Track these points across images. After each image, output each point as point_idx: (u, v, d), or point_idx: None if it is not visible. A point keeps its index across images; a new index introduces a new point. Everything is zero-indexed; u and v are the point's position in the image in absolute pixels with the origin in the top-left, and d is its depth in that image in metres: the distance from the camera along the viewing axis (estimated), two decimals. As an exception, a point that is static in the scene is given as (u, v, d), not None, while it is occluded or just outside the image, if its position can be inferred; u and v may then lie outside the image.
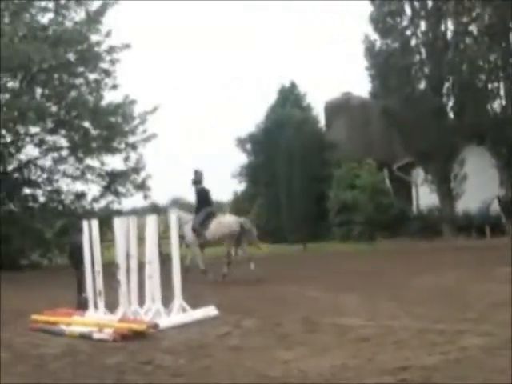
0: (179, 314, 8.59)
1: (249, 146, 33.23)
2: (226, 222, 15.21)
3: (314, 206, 28.19)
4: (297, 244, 25.31)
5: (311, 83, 76.74)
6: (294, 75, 62.57)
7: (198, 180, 15.62)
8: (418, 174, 26.44)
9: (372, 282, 12.08)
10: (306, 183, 28.73)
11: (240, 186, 34.53)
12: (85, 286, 9.26)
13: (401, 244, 22.83)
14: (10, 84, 24.29)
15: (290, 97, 32.18)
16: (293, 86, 32.87)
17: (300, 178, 28.93)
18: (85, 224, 9.33)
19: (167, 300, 8.69)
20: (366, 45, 25.67)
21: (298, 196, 28.89)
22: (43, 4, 24.09)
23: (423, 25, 24.92)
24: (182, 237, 14.06)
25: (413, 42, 25.18)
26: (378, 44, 25.72)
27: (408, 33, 25.19)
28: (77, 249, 9.90)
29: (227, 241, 15.06)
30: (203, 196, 15.49)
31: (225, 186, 43.04)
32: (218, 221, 15.15)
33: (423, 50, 24.99)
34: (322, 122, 33.01)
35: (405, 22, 25.19)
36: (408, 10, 25.04)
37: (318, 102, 34.69)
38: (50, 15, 24.37)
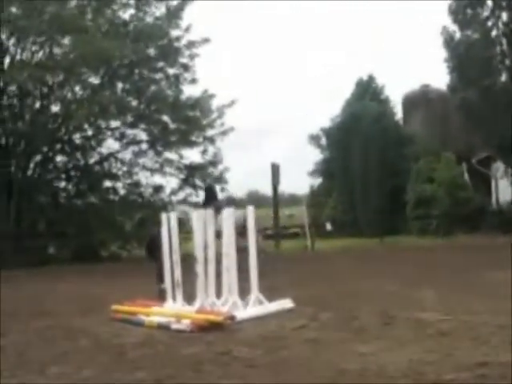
0: (256, 307, 8.64)
1: (324, 140, 33.10)
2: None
3: (390, 199, 27.84)
4: (373, 238, 25.06)
5: (389, 76, 75.74)
6: (372, 68, 61.91)
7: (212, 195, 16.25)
8: (498, 167, 25.75)
9: (450, 277, 11.84)
10: (382, 177, 28.40)
11: (316, 181, 34.50)
12: (163, 277, 9.43)
13: (479, 239, 22.27)
14: (92, 79, 24.90)
15: (368, 90, 31.81)
16: (371, 78, 32.48)
17: (376, 171, 28.60)
18: (164, 216, 9.50)
19: (244, 292, 8.75)
20: (445, 36, 25.12)
21: (374, 190, 28.60)
22: (124, 0, 24.57)
23: (504, 16, 24.19)
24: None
25: (494, 33, 24.49)
26: (458, 35, 25.14)
27: (489, 24, 24.50)
28: (155, 240, 10.11)
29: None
30: (211, 192, 15.60)
31: (301, 180, 43.07)
32: None
33: (504, 41, 24.25)
34: (400, 115, 32.52)
35: (485, 13, 24.50)
36: (489, 1, 24.37)
37: (395, 95, 34.20)
38: (131, 11, 24.90)
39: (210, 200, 16.23)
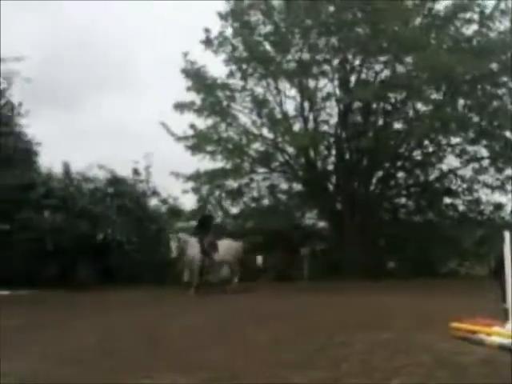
0: None
1: None
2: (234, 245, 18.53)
3: None
4: None
5: None
6: None
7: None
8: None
9: None
10: None
11: None
12: (506, 296, 9.03)
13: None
14: (434, 96, 24.97)
15: None
16: None
17: None
18: (506, 235, 9.11)
19: None
20: None
21: None
22: (468, 16, 24.22)
23: None
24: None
25: None
26: None
27: None
28: (500, 259, 9.74)
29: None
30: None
31: None
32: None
33: None
34: None
35: None
36: None
37: None
38: (475, 27, 24.40)
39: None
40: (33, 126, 23.97)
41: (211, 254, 17.89)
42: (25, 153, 23.61)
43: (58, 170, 23.62)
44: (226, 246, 18.27)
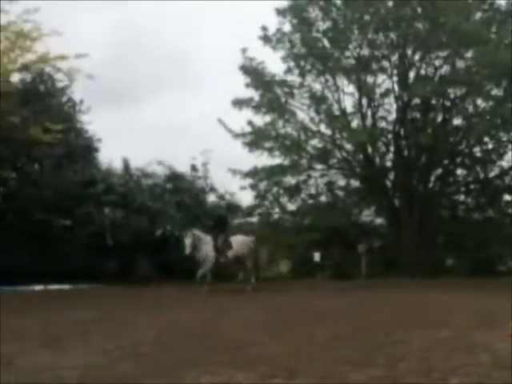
0: None
1: None
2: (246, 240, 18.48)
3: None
4: None
5: None
6: None
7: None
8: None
9: None
10: None
11: None
12: None
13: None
14: (494, 91, 24.55)
15: None
16: None
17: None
18: None
19: None
20: None
21: None
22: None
23: None
24: None
25: None
26: None
27: None
28: None
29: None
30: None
31: None
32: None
33: None
34: None
35: None
36: None
37: None
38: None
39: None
40: (94, 123, 24.57)
41: (225, 251, 17.92)
42: (85, 149, 24.20)
43: (117, 166, 24.16)
44: (239, 242, 18.29)
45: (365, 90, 25.23)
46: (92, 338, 8.93)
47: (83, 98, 24.40)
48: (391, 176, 26.55)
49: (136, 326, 10.33)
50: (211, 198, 25.22)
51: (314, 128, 25.63)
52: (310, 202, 27.31)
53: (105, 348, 8.00)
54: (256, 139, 25.11)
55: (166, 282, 19.57)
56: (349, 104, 25.74)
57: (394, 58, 25.22)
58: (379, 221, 28.06)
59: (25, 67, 20.13)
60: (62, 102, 24.27)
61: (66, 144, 22.10)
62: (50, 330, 9.70)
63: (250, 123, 25.28)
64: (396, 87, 25.40)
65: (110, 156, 24.40)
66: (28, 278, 19.28)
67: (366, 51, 24.96)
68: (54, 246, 21.44)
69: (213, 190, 25.10)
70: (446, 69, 25.10)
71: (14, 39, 18.44)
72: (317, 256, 23.39)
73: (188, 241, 17.66)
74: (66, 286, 19.59)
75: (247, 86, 25.45)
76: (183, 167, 24.62)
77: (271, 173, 25.38)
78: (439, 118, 25.83)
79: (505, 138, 25.61)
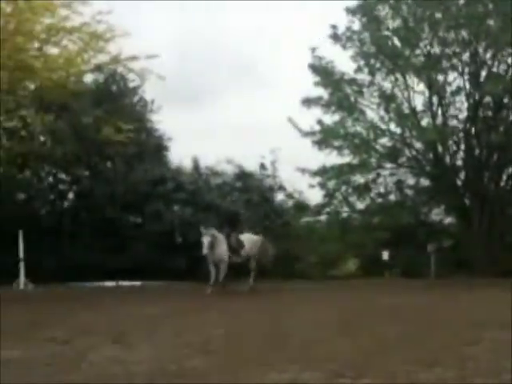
0: None
1: None
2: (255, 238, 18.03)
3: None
4: None
5: None
6: None
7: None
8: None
9: None
10: None
11: None
12: None
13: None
14: None
15: None
16: None
17: None
18: None
19: None
20: None
21: None
22: None
23: None
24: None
25: None
26: None
27: None
28: None
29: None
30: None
31: None
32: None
33: None
34: None
35: None
36: None
37: None
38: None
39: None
40: (164, 122, 25.09)
41: (239, 250, 17.40)
42: (156, 148, 24.76)
43: (187, 165, 24.62)
44: (248, 240, 17.80)
45: (435, 88, 25.03)
46: (162, 333, 9.18)
47: (154, 97, 25.01)
48: (462, 175, 26.24)
49: (206, 322, 10.61)
50: (279, 197, 25.47)
51: (384, 126, 25.57)
52: (379, 200, 27.26)
53: (174, 343, 8.19)
54: (325, 138, 25.23)
55: (234, 280, 19.71)
56: (419, 102, 25.61)
57: (466, 55, 24.92)
58: (449, 220, 27.79)
59: (98, 68, 20.68)
60: (133, 102, 24.92)
61: (137, 143, 22.66)
62: (121, 325, 10.03)
63: (319, 122, 25.42)
64: (467, 85, 25.11)
65: (180, 155, 24.97)
66: (101, 275, 19.96)
67: (436, 49, 24.77)
68: (125, 243, 22.09)
69: (281, 188, 25.34)
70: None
71: (87, 40, 18.93)
72: (385, 255, 23.39)
73: (206, 240, 16.46)
74: (137, 283, 20.16)
75: (316, 84, 25.61)
76: (252, 166, 24.97)
77: (340, 171, 25.44)
78: (511, 117, 25.37)
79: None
